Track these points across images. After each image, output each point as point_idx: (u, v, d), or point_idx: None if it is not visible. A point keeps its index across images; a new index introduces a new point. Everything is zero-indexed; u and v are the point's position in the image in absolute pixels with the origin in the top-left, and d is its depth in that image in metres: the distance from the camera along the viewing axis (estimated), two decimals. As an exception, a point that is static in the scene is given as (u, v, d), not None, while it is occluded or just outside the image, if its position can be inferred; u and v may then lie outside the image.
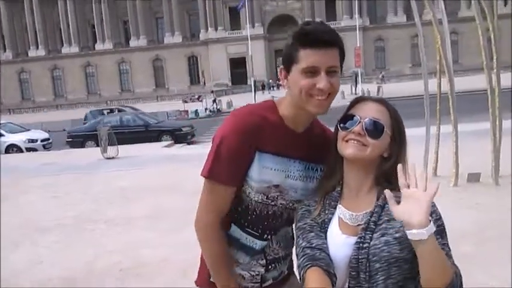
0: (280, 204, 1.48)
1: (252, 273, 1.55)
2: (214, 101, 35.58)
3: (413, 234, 1.14)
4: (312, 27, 1.35)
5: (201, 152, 14.03)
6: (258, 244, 1.53)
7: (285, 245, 1.59)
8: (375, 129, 1.32)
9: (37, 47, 66.51)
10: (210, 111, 31.21)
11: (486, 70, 6.69)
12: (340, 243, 1.32)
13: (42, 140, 18.90)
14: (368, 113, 1.33)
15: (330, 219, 1.37)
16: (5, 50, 66.76)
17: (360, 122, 1.32)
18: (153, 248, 5.17)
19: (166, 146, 16.08)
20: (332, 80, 1.34)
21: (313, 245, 1.33)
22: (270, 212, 1.48)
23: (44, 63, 65.78)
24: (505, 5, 52.56)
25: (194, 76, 64.18)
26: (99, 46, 65.92)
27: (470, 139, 8.90)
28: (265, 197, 1.46)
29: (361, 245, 1.26)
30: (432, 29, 6.99)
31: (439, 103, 7.38)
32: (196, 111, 30.16)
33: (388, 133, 1.34)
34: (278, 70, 1.43)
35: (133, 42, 65.49)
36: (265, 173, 1.43)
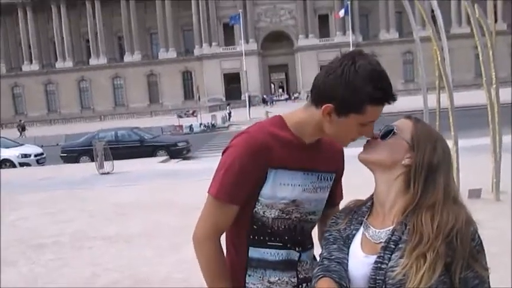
0: (295, 217, 1.46)
1: None
2: (229, 114, 35.80)
3: None
4: (388, 86, 1.30)
5: (196, 167, 13.95)
6: (283, 254, 1.47)
7: (314, 265, 1.53)
8: (385, 132, 1.32)
9: (31, 62, 66.40)
10: (205, 126, 31.17)
11: (485, 86, 6.72)
12: (359, 261, 1.28)
13: (35, 155, 18.70)
14: (393, 123, 1.35)
15: (354, 235, 1.34)
16: (-2, 65, 66.65)
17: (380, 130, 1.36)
18: (152, 267, 5.06)
19: (162, 162, 15.99)
20: None
21: (333, 257, 1.31)
22: (286, 226, 1.46)
23: (37, 77, 65.58)
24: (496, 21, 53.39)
25: (188, 91, 64.24)
26: (93, 61, 65.93)
27: (469, 155, 8.91)
28: (281, 212, 1.44)
29: (379, 265, 1.21)
30: (426, 45, 7.05)
31: (438, 119, 7.40)
32: (191, 127, 30.13)
33: (403, 137, 1.29)
34: (320, 108, 1.33)
35: (127, 58, 65.58)
36: (282, 189, 1.42)
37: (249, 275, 1.49)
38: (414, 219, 1.22)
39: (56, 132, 35.59)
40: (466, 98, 24.23)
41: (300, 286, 1.49)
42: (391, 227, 1.26)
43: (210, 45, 63.41)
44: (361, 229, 1.34)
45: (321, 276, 1.27)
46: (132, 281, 4.68)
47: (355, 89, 1.26)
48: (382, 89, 1.28)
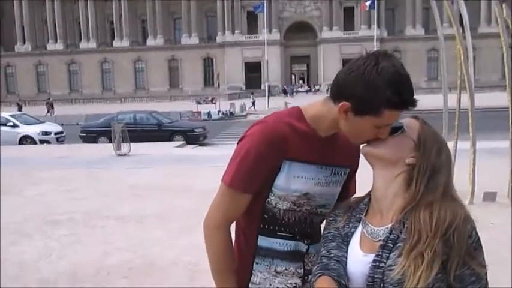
0: (305, 209, 1.47)
1: (289, 285, 1.50)
2: (253, 103, 35.79)
3: None
4: (409, 92, 1.27)
5: (212, 153, 14.04)
6: (292, 245, 1.49)
7: None
8: (394, 128, 1.32)
9: (55, 41, 67.30)
10: (223, 113, 31.27)
11: (508, 88, 6.59)
12: (358, 260, 1.29)
13: (55, 133, 19.05)
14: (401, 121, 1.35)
15: (352, 233, 1.34)
16: (24, 42, 67.66)
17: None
18: (163, 248, 5.15)
19: (178, 146, 16.13)
20: None
21: (331, 255, 1.32)
22: (296, 218, 1.47)
23: (61, 57, 66.49)
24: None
25: (209, 78, 64.42)
26: (116, 43, 66.52)
27: (486, 157, 8.77)
28: (293, 204, 1.45)
29: (377, 263, 1.22)
30: (451, 43, 6.92)
31: (457, 119, 7.29)
32: (209, 113, 30.27)
33: (410, 136, 1.30)
34: (338, 104, 1.32)
35: (150, 41, 65.98)
36: (296, 182, 1.42)
37: (257, 263, 1.51)
38: (412, 217, 1.23)
39: (77, 111, 36.20)
40: (490, 99, 23.79)
41: (306, 277, 1.50)
42: (390, 225, 1.27)
43: (233, 32, 63.30)
44: (360, 227, 1.34)
45: (319, 274, 1.29)
46: (142, 261, 4.77)
47: (375, 91, 1.23)
48: (401, 94, 1.24)
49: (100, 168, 11.14)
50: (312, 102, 1.48)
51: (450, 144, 7.18)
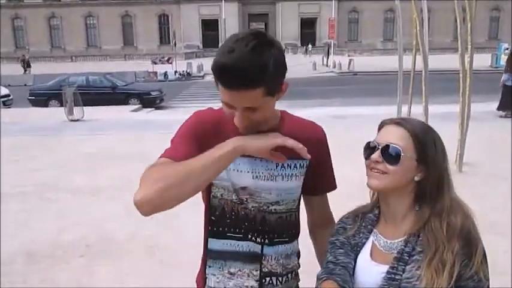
0: (252, 207, 1.40)
1: None
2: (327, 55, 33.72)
3: None
4: (231, 62, 1.16)
5: (169, 118, 13.74)
6: (243, 246, 1.44)
7: (285, 262, 1.50)
8: (391, 155, 1.25)
9: (-3, -6, 62.70)
10: (180, 74, 30.55)
11: (460, 51, 6.68)
12: (369, 270, 1.29)
13: (2, 96, 17.97)
14: (386, 138, 1.28)
15: (363, 244, 1.34)
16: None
17: (377, 148, 1.27)
18: (120, 222, 5.07)
19: (133, 110, 15.72)
20: (253, 114, 1.25)
21: (338, 261, 1.33)
22: (244, 214, 1.41)
23: (4, 11, 62.18)
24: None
25: (165, 36, 62.23)
26: (65, -3, 62.75)
27: (436, 123, 9.07)
28: (237, 197, 1.40)
29: (393, 276, 1.22)
30: (407, 5, 6.88)
31: (412, 82, 7.39)
32: (165, 74, 29.47)
33: (411, 156, 1.25)
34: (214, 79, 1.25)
35: (102, -5, 62.62)
36: (231, 174, 1.38)
37: (209, 266, 1.48)
38: (426, 229, 1.24)
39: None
40: (441, 61, 24.39)
41: (264, 280, 1.46)
42: (403, 238, 1.26)
43: (189, -12, 60.97)
44: (371, 238, 1.34)
45: (324, 278, 1.30)
46: (99, 237, 4.70)
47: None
48: (223, 69, 1.18)
49: (52, 135, 10.70)
50: None
51: (404, 108, 7.36)
